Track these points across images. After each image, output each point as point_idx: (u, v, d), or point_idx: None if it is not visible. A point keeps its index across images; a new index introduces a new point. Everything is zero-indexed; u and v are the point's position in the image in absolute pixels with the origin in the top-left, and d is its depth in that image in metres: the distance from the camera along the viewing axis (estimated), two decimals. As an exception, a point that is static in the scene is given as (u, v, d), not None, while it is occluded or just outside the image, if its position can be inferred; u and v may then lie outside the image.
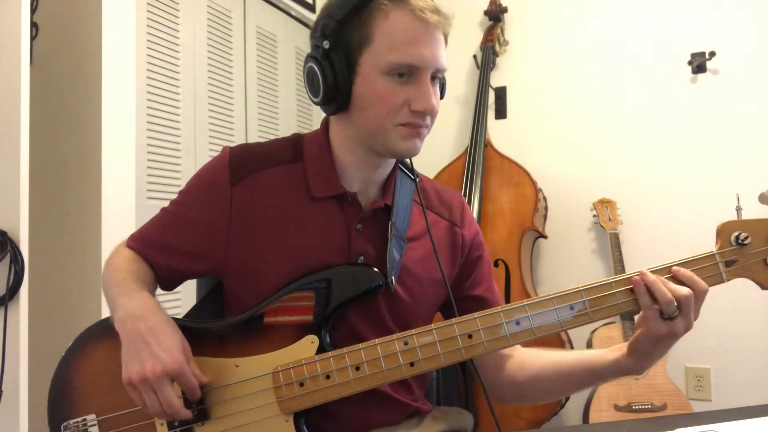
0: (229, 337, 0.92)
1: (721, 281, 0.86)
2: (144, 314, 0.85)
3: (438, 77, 0.91)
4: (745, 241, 0.84)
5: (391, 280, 0.93)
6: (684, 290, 0.82)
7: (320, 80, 0.89)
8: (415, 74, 0.87)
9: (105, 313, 1.75)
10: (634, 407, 2.10)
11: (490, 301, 1.05)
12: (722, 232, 0.86)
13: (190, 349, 0.86)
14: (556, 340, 2.17)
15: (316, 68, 0.89)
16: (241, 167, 0.95)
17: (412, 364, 0.86)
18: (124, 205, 1.82)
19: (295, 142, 1.00)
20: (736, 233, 0.85)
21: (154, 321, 0.85)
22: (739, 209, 0.89)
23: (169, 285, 1.01)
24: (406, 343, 0.86)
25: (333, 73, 0.88)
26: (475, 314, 0.86)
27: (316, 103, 0.93)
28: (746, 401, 2.27)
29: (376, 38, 0.86)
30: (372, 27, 0.86)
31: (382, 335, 0.89)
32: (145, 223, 1.03)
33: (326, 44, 0.88)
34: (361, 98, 0.89)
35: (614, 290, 0.85)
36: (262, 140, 1.03)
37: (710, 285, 0.85)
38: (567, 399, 2.27)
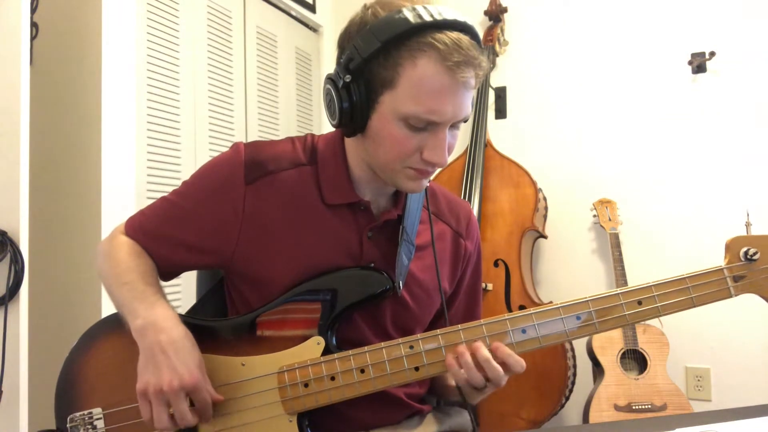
0: (235, 335, 0.92)
1: (729, 296, 0.85)
2: (165, 326, 0.84)
3: (458, 126, 0.88)
4: (754, 257, 0.84)
5: (399, 284, 0.93)
6: (497, 372, 0.83)
7: (336, 108, 0.86)
8: (433, 125, 0.84)
9: (105, 312, 1.75)
10: (634, 407, 2.10)
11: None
12: (731, 247, 0.86)
13: (204, 365, 0.86)
14: (556, 340, 2.17)
15: (334, 96, 0.86)
16: (256, 167, 0.93)
17: (416, 369, 0.86)
18: (124, 205, 1.81)
19: (311, 145, 0.98)
20: (745, 249, 0.84)
21: (176, 334, 0.84)
22: (748, 225, 0.89)
23: (168, 276, 1.00)
24: (411, 347, 0.86)
25: (350, 105, 0.85)
26: (482, 321, 0.87)
27: (333, 125, 0.91)
28: (746, 401, 2.28)
29: (400, 84, 0.81)
30: (397, 72, 0.81)
31: (381, 339, 0.90)
32: (142, 210, 1.00)
33: (348, 78, 0.84)
34: (375, 134, 0.86)
35: (621, 301, 0.85)
36: (262, 140, 1.02)
37: (719, 300, 0.85)
38: (567, 399, 2.27)
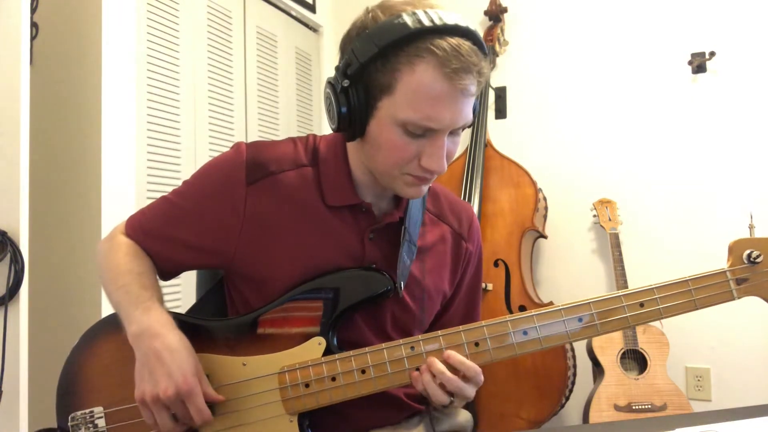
0: (237, 335, 0.92)
1: (732, 299, 0.85)
2: (160, 332, 0.84)
3: (458, 132, 0.87)
4: (757, 260, 0.84)
5: (400, 285, 0.93)
6: (455, 384, 0.82)
7: (335, 113, 0.85)
8: (431, 132, 0.83)
9: (105, 312, 1.75)
10: (634, 407, 2.10)
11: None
12: (734, 249, 0.85)
13: (202, 367, 0.86)
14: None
15: (332, 100, 0.85)
16: (258, 168, 0.93)
17: (417, 370, 0.86)
18: (124, 205, 1.81)
19: (312, 146, 0.98)
20: (748, 251, 0.84)
21: (170, 340, 0.84)
22: (752, 227, 0.88)
23: (168, 275, 1.00)
24: (412, 348, 0.86)
25: (349, 110, 0.84)
26: (483, 322, 0.86)
27: (332, 129, 0.90)
28: (746, 401, 2.28)
29: (397, 90, 0.80)
30: (395, 78, 0.80)
31: (381, 340, 0.90)
32: (142, 210, 1.00)
33: (345, 83, 0.83)
34: (374, 139, 0.86)
35: (623, 303, 0.85)
36: (263, 140, 1.02)
37: (721, 302, 0.85)
38: (567, 399, 2.27)
